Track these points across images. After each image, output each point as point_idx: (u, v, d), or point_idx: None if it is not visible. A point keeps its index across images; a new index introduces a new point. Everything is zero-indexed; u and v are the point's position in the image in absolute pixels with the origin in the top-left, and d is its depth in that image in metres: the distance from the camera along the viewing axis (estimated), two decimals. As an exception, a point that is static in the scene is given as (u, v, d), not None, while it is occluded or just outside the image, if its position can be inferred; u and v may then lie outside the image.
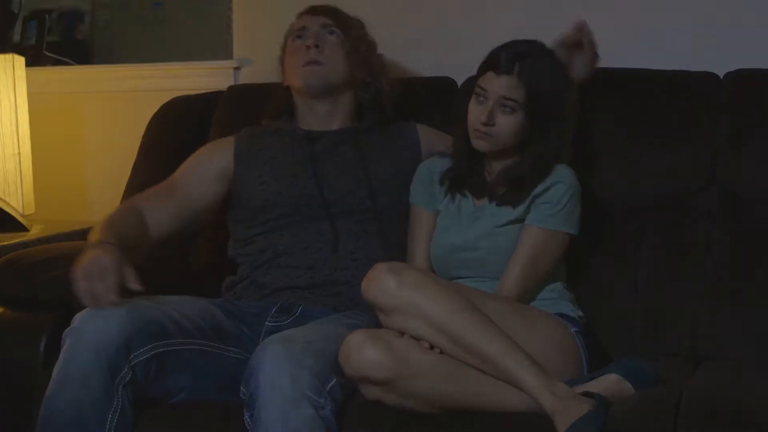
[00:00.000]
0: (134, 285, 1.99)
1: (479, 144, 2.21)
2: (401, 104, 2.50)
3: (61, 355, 1.96)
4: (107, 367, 1.93)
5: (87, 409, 1.93)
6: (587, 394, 1.92)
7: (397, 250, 2.31)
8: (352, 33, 2.43)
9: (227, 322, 2.19)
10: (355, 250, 2.30)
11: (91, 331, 1.94)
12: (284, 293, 2.27)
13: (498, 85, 2.17)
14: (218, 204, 2.41)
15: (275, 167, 2.37)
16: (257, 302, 2.28)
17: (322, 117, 2.42)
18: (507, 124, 2.18)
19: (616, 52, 2.63)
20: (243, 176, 2.38)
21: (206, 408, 2.08)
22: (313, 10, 2.47)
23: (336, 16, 2.45)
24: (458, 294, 2.01)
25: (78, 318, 1.98)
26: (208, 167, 2.41)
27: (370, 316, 2.10)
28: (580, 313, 2.23)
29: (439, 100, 2.60)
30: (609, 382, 1.97)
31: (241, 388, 1.94)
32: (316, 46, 2.37)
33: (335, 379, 1.94)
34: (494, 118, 2.17)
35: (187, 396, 2.09)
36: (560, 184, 2.19)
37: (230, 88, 2.90)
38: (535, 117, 2.17)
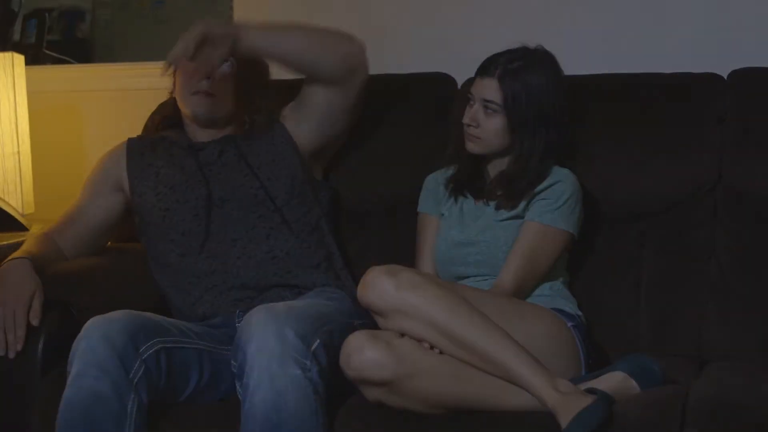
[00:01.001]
0: (33, 320, 2.14)
1: (469, 146, 2.29)
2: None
3: (74, 364, 1.97)
4: (120, 360, 1.96)
5: (105, 402, 1.93)
6: (591, 391, 1.92)
7: (303, 237, 2.34)
8: (245, 64, 2.37)
9: (209, 328, 2.23)
10: (269, 250, 2.31)
11: (99, 332, 1.98)
12: (234, 309, 2.27)
13: (481, 87, 2.26)
14: (121, 213, 2.46)
15: (167, 177, 2.38)
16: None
17: (206, 134, 2.41)
18: (490, 125, 2.25)
19: (619, 55, 2.63)
20: (138, 191, 2.40)
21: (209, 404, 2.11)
22: None
23: None
24: (456, 294, 2.01)
25: (84, 328, 2.01)
26: (102, 186, 2.45)
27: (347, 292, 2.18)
28: (579, 312, 2.24)
29: (438, 96, 2.61)
30: (614, 380, 1.97)
31: (232, 362, 1.97)
32: (208, 78, 2.33)
33: (319, 340, 1.95)
34: (478, 120, 2.25)
35: (193, 392, 2.11)
36: (560, 183, 2.24)
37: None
38: (514, 119, 2.23)
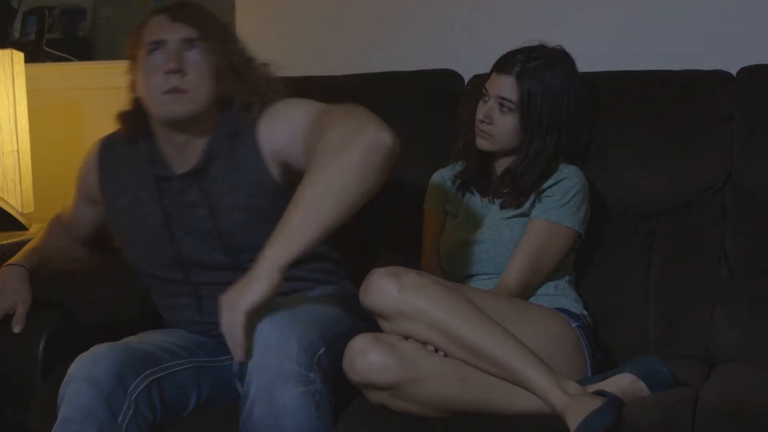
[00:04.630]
0: (15, 327, 2.12)
1: (480, 143, 2.28)
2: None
3: (61, 408, 1.91)
4: (107, 404, 1.89)
5: None
6: (599, 393, 1.89)
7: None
8: (217, 45, 2.04)
9: (207, 339, 2.14)
10: None
11: (84, 373, 1.91)
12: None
13: (498, 84, 2.24)
14: (102, 223, 2.28)
15: (133, 224, 2.14)
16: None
17: (177, 147, 2.08)
18: (505, 123, 2.24)
19: (626, 52, 2.62)
20: (109, 215, 2.21)
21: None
22: (172, 14, 2.04)
23: (200, 23, 2.04)
24: (460, 295, 1.98)
25: (69, 369, 1.94)
26: (82, 200, 2.29)
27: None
28: (584, 312, 2.22)
29: (444, 92, 2.60)
30: (623, 382, 1.94)
31: (234, 363, 1.88)
32: (179, 71, 1.99)
33: (323, 348, 1.86)
34: (492, 117, 2.24)
35: (195, 410, 2.05)
36: (566, 181, 2.22)
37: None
38: (528, 118, 2.21)
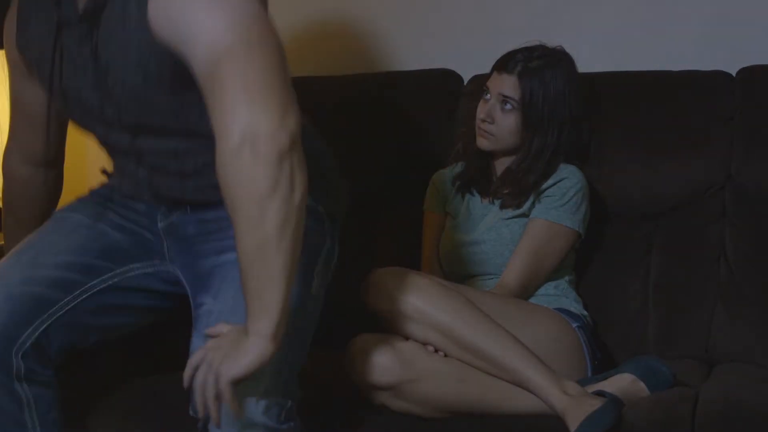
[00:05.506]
0: None
1: (481, 142, 2.27)
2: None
3: None
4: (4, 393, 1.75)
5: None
6: (599, 393, 1.90)
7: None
8: None
9: (119, 236, 1.90)
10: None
11: None
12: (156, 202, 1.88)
13: (499, 83, 2.24)
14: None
15: (44, 78, 1.76)
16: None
17: None
18: (506, 122, 2.24)
19: (626, 53, 2.61)
20: (36, 69, 1.80)
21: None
22: None
23: None
24: (460, 296, 1.99)
25: None
26: (18, 76, 1.88)
27: None
28: (584, 312, 2.23)
29: (444, 93, 2.59)
30: (622, 382, 1.95)
31: (190, 408, 1.62)
32: None
33: (290, 402, 1.69)
34: (494, 116, 2.24)
35: (124, 331, 1.93)
36: (566, 181, 2.23)
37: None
38: (530, 117, 2.21)
